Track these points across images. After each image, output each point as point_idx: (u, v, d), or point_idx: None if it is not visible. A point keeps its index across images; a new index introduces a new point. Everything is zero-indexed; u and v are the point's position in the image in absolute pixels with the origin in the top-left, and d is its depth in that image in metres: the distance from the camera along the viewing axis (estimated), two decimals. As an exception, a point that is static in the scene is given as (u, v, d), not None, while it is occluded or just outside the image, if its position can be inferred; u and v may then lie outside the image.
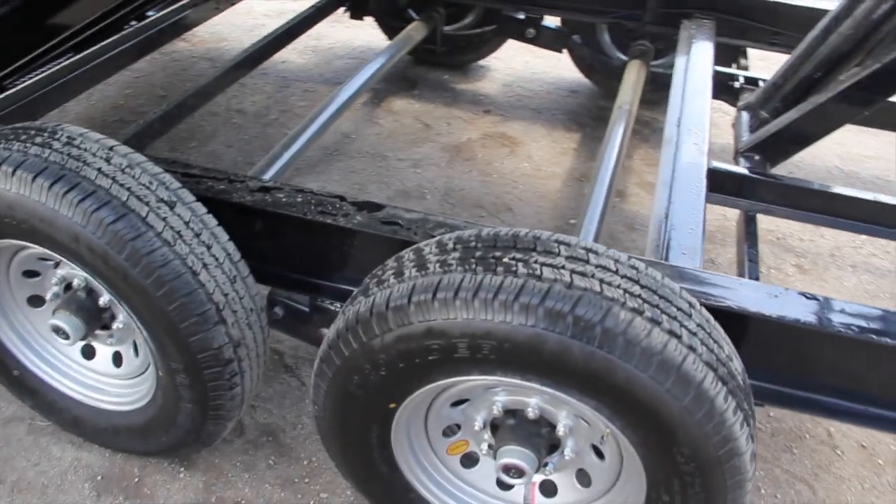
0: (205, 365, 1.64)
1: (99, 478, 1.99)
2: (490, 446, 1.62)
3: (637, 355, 1.26)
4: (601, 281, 1.31)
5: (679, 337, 1.29)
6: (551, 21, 3.39)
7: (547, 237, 1.41)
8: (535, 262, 1.34)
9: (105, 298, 1.79)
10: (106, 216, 1.52)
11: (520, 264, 1.34)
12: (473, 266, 1.35)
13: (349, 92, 2.88)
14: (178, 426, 1.81)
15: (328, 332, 1.53)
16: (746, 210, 2.21)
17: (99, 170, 1.57)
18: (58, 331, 1.79)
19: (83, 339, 1.82)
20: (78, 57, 2.68)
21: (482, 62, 3.83)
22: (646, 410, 1.31)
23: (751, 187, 2.16)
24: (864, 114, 2.11)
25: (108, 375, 1.96)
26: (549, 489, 1.68)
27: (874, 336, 1.46)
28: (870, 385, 1.56)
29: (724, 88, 2.66)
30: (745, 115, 2.44)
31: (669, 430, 1.31)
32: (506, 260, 1.35)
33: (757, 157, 2.22)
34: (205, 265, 1.60)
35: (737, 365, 1.38)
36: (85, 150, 1.61)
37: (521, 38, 3.38)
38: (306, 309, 1.88)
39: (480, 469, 1.70)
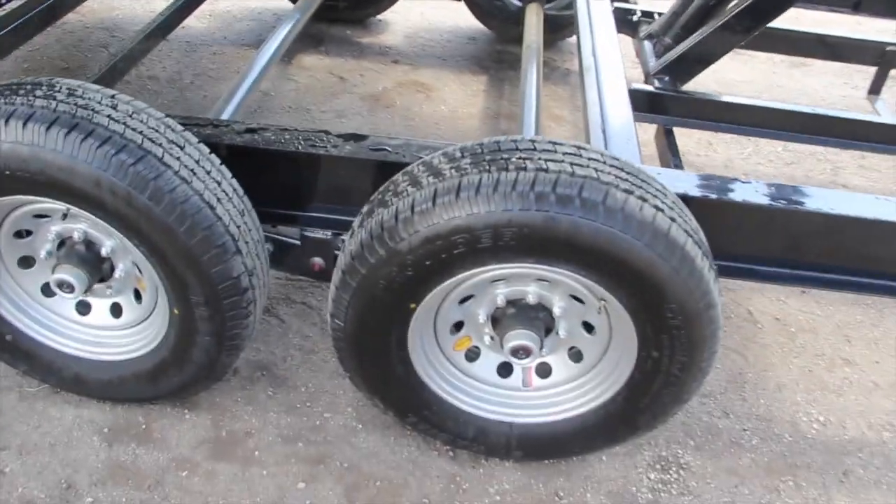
0: (225, 294, 1.78)
1: (105, 430, 2.07)
2: (492, 338, 1.88)
3: (634, 226, 1.55)
4: (596, 170, 1.59)
5: (662, 210, 1.59)
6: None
7: (542, 139, 1.67)
8: (540, 159, 1.59)
9: (107, 248, 1.87)
10: (126, 159, 1.62)
11: (527, 162, 1.59)
12: (487, 167, 1.59)
13: (274, 45, 2.95)
14: (192, 362, 1.93)
15: (348, 246, 1.71)
16: (664, 125, 2.57)
17: (109, 116, 1.66)
18: (62, 285, 1.86)
19: (85, 291, 1.90)
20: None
21: (381, 16, 4.01)
22: (642, 275, 1.60)
23: (666, 104, 2.53)
24: (749, 38, 2.51)
25: (108, 328, 2.03)
26: (544, 371, 1.97)
27: (785, 205, 1.85)
28: (777, 247, 1.95)
29: (624, 22, 3.01)
30: (647, 44, 2.80)
31: (661, 290, 1.62)
32: (514, 160, 1.60)
33: (666, 79, 2.58)
34: (219, 199, 1.73)
35: (702, 234, 1.71)
36: (89, 99, 1.69)
37: (422, -12, 3.60)
38: (297, 241, 2.04)
39: (483, 361, 1.96)
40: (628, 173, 1.63)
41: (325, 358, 2.30)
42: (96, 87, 1.74)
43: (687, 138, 3.17)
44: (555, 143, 1.66)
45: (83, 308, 2.04)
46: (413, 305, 1.74)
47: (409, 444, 2.08)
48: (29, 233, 1.92)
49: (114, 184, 1.63)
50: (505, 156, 1.61)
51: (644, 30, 2.90)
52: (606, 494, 2.01)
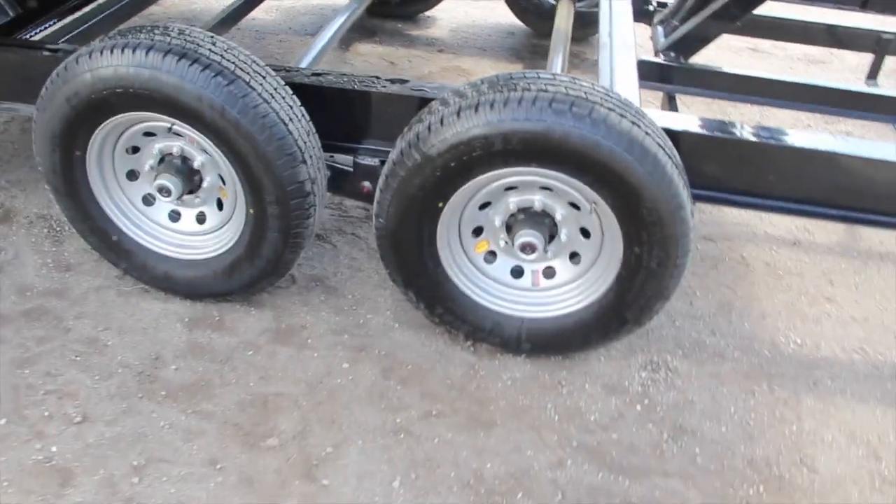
0: (292, 195, 2.31)
1: (186, 320, 2.61)
2: (506, 242, 2.37)
3: (614, 135, 2.04)
4: (585, 93, 2.09)
5: (638, 126, 2.08)
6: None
7: (545, 73, 2.18)
8: (542, 85, 2.10)
9: (198, 162, 2.44)
10: (222, 80, 2.19)
11: (532, 85, 2.10)
12: (501, 90, 2.10)
13: (331, 31, 3.52)
14: (262, 257, 2.46)
15: (391, 156, 2.23)
16: (668, 92, 3.05)
17: (210, 50, 2.23)
18: (162, 189, 2.43)
19: (179, 197, 2.46)
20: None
21: (429, 13, 4.61)
22: (621, 176, 2.07)
23: (671, 74, 3.01)
24: (741, 19, 2.98)
25: (194, 233, 2.58)
26: (549, 273, 2.45)
27: (772, 140, 2.31)
28: (766, 180, 2.40)
29: (642, 12, 3.50)
30: (659, 28, 3.30)
31: (637, 190, 2.09)
32: (521, 85, 2.11)
33: (672, 54, 3.07)
34: (290, 119, 2.28)
35: (674, 150, 2.18)
36: (195, 37, 2.26)
37: (467, -13, 4.18)
38: (350, 168, 2.57)
39: (498, 263, 2.45)
40: (612, 98, 2.12)
41: (369, 275, 2.82)
42: (199, 29, 2.32)
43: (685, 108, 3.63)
44: (555, 75, 2.17)
45: (174, 216, 2.60)
46: (441, 204, 2.25)
47: (437, 340, 2.57)
48: (136, 150, 2.50)
49: (212, 100, 2.18)
50: (515, 82, 2.13)
51: (658, 16, 3.40)
52: (602, 386, 2.46)
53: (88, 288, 2.72)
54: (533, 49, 4.35)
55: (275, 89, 2.28)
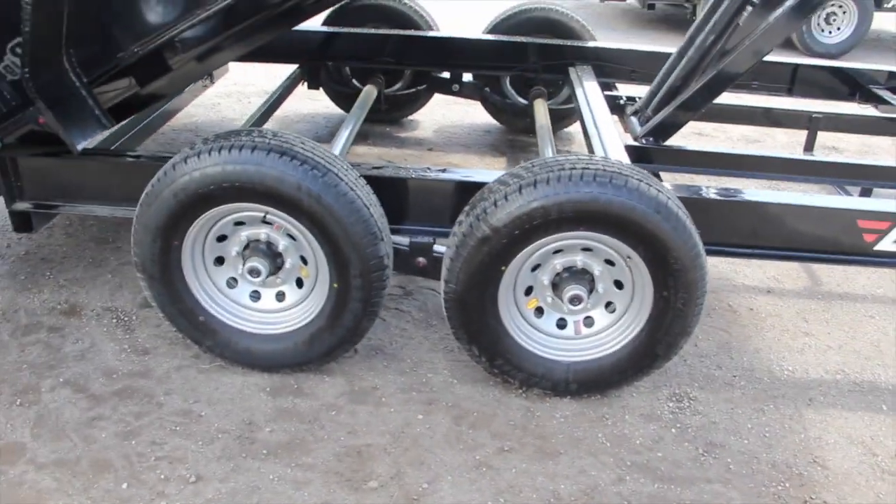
0: (374, 269, 2.78)
1: (268, 389, 2.98)
2: (552, 298, 2.89)
3: (646, 200, 2.62)
4: (618, 168, 2.68)
5: (661, 192, 2.67)
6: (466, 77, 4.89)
7: (583, 155, 2.77)
8: (585, 164, 2.68)
9: (282, 246, 2.88)
10: (318, 173, 2.67)
11: (577, 165, 2.67)
12: (552, 169, 2.66)
13: (342, 141, 4.04)
14: (342, 326, 2.89)
15: (459, 230, 2.73)
16: (652, 171, 3.69)
17: (302, 148, 2.73)
18: (252, 271, 2.86)
19: (266, 278, 2.88)
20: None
21: (412, 116, 5.23)
22: (653, 234, 2.64)
23: (652, 155, 3.66)
24: (705, 107, 3.70)
25: (273, 310, 2.99)
26: (588, 323, 2.97)
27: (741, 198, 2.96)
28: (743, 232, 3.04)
29: (613, 107, 4.20)
30: (633, 119, 3.99)
31: (665, 244, 2.66)
32: (568, 165, 2.68)
33: (650, 139, 3.74)
34: (370, 204, 2.77)
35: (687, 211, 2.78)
36: (288, 138, 2.75)
37: (448, 91, 4.84)
38: (406, 247, 3.06)
39: (545, 317, 2.96)
40: (637, 171, 2.72)
41: (420, 341, 3.27)
42: (288, 132, 2.82)
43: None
44: (591, 156, 2.76)
45: (255, 296, 3.01)
46: (503, 268, 2.76)
47: (493, 390, 3.02)
48: (223, 238, 2.93)
49: (310, 189, 2.66)
50: (562, 163, 2.70)
51: (630, 109, 4.10)
52: (640, 416, 2.96)
53: (169, 368, 3.07)
54: (510, 144, 5.03)
55: (356, 180, 2.78)
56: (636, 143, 3.68)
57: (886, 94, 4.37)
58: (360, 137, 4.99)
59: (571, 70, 4.56)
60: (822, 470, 2.77)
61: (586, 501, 2.60)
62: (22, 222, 3.28)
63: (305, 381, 3.03)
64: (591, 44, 4.68)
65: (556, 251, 2.82)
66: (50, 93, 2.78)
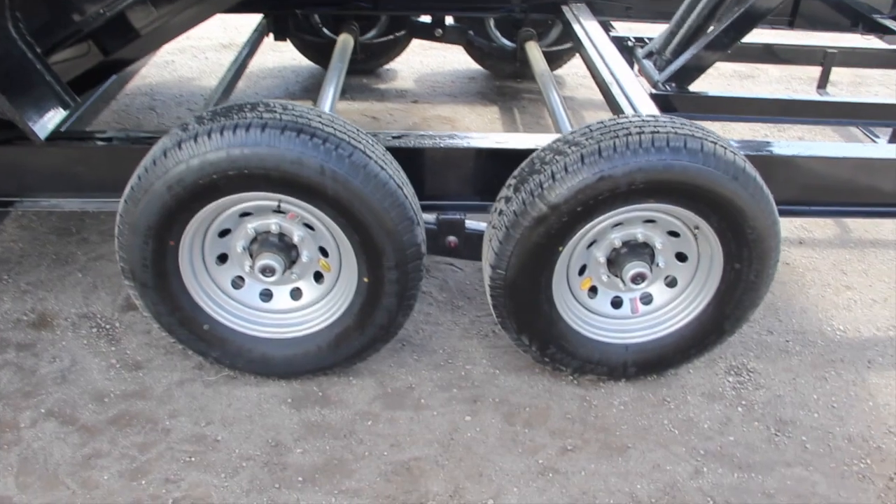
0: (410, 258, 2.33)
1: (289, 400, 2.53)
2: (608, 276, 2.50)
3: (723, 166, 2.23)
4: (690, 131, 2.27)
5: (736, 154, 2.28)
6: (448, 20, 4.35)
7: (649, 115, 2.34)
8: (653, 126, 2.25)
9: (297, 237, 2.39)
10: (343, 152, 2.18)
11: (645, 128, 2.24)
12: (617, 135, 2.24)
13: (328, 100, 3.48)
14: (374, 325, 2.44)
15: (510, 208, 2.30)
16: (677, 119, 3.31)
17: (320, 123, 2.22)
18: (265, 270, 2.36)
19: (282, 274, 2.39)
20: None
21: (388, 66, 4.67)
22: (731, 202, 2.26)
23: (678, 103, 3.27)
24: (731, 49, 3.31)
25: (289, 310, 2.52)
26: (646, 300, 2.59)
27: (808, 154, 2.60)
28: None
29: (620, 49, 3.77)
30: (647, 62, 3.56)
31: (743, 212, 2.28)
32: (634, 129, 2.25)
33: (673, 84, 3.33)
34: (402, 184, 2.30)
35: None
36: (301, 111, 2.24)
37: (430, 37, 4.30)
38: (434, 225, 2.61)
39: (600, 297, 2.57)
40: (705, 131, 2.32)
41: (449, 328, 2.85)
42: (300, 103, 2.30)
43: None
44: (655, 117, 2.34)
45: (265, 295, 2.52)
46: (561, 248, 2.34)
47: (542, 379, 2.65)
48: (226, 232, 2.41)
49: (335, 172, 2.17)
50: (627, 127, 2.27)
51: (641, 51, 3.67)
52: (702, 395, 2.63)
53: (169, 383, 2.57)
54: (499, 91, 4.54)
55: (383, 156, 2.30)
56: (658, 91, 3.27)
57: (891, 23, 4.06)
58: (335, 92, 4.43)
59: (565, 9, 4.07)
60: (902, 441, 2.51)
61: (668, 502, 2.27)
62: (-29, 222, 2.69)
63: (330, 386, 2.59)
64: (581, -22, 4.20)
65: (615, 224, 2.42)
66: (7, 70, 2.18)
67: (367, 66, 4.56)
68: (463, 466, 2.34)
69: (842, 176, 2.71)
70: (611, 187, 2.22)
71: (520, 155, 2.49)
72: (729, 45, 3.24)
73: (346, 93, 4.43)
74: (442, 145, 2.55)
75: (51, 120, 2.33)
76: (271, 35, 4.22)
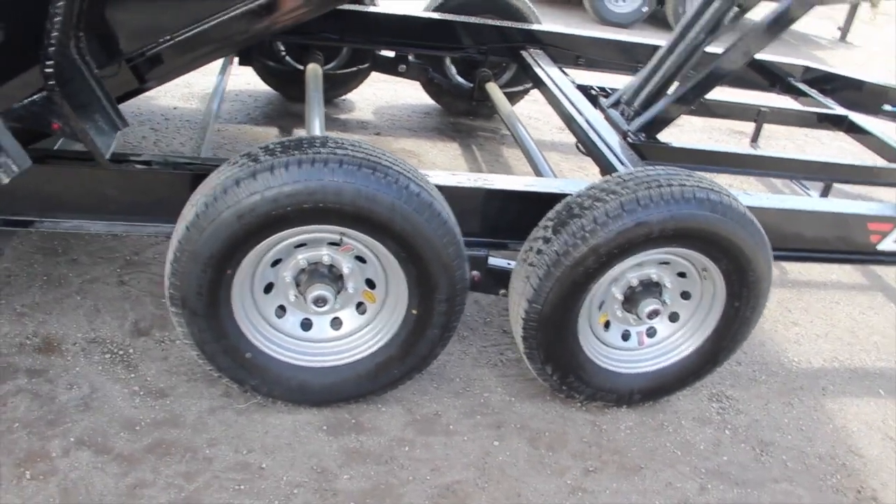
0: (459, 292, 2.54)
1: (324, 428, 2.65)
2: (622, 312, 2.82)
3: (735, 216, 2.60)
4: (710, 185, 2.64)
5: (739, 203, 2.68)
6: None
7: (672, 169, 2.69)
8: (678, 180, 2.60)
9: (347, 268, 2.54)
10: (413, 189, 2.37)
11: (673, 181, 2.59)
12: (650, 186, 2.57)
13: (317, 130, 3.58)
14: (415, 355, 2.63)
15: (551, 248, 2.56)
16: (647, 167, 3.71)
17: (388, 162, 2.40)
18: (318, 300, 2.50)
19: (334, 305, 2.53)
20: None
21: (345, 97, 4.83)
22: (740, 249, 2.64)
23: (648, 152, 3.67)
24: (694, 106, 3.77)
25: (329, 339, 2.65)
26: (650, 334, 2.93)
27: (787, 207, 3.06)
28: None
29: (586, 96, 4.15)
30: (613, 111, 3.96)
31: (749, 257, 2.68)
32: (663, 181, 2.59)
33: (643, 135, 3.74)
34: (455, 221, 2.51)
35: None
36: (369, 150, 2.40)
37: (392, 72, 4.52)
38: (460, 260, 2.83)
39: (612, 331, 2.88)
40: (717, 185, 2.70)
41: (460, 357, 3.07)
42: (365, 141, 2.46)
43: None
44: (675, 171, 2.69)
45: (305, 325, 2.64)
46: (592, 286, 2.64)
47: (554, 406, 2.92)
48: (277, 262, 2.52)
49: (404, 209, 2.36)
50: (656, 179, 2.61)
51: (605, 101, 4.07)
52: (693, 420, 3.00)
53: (200, 411, 2.63)
54: (455, 128, 4.82)
55: (439, 195, 2.51)
56: (630, 140, 3.67)
57: (804, 87, 4.73)
58: (297, 120, 4.53)
59: (525, 54, 4.43)
60: (860, 458, 2.98)
61: (685, 517, 2.60)
62: (-19, 243, 2.63)
63: (361, 413, 2.74)
64: (539, 27, 4.57)
65: (635, 265, 2.74)
66: (68, 91, 2.21)
67: (325, 96, 4.69)
68: (501, 488, 2.57)
69: (801, 225, 3.20)
70: (646, 233, 2.54)
71: (545, 198, 2.79)
72: (694, 101, 3.70)
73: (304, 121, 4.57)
74: (477, 186, 2.80)
75: (109, 141, 2.36)
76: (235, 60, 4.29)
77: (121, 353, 2.79)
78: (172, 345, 2.86)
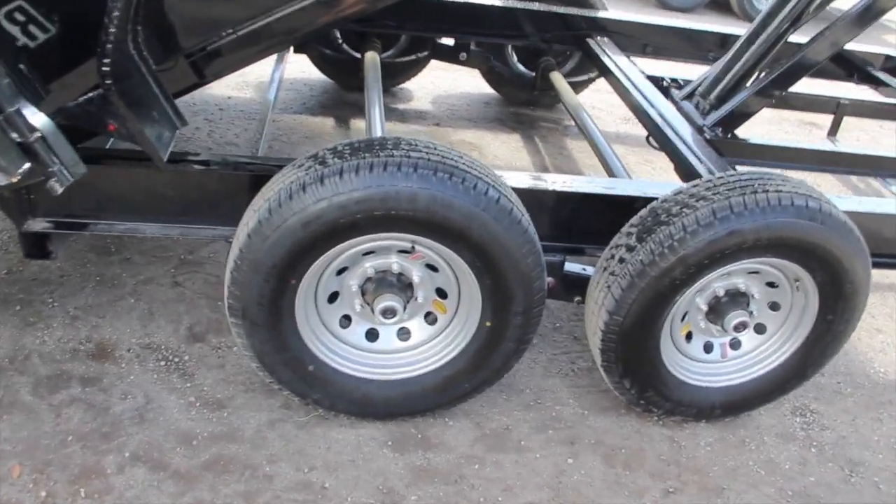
0: (537, 304, 2.32)
1: (389, 443, 2.46)
2: (705, 323, 2.57)
3: (835, 225, 2.34)
4: (808, 191, 2.37)
5: (841, 213, 2.40)
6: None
7: (767, 172, 2.43)
8: (774, 186, 2.34)
9: (417, 277, 2.33)
10: (492, 195, 2.15)
11: (767, 186, 2.33)
12: (744, 191, 2.31)
13: (377, 125, 3.36)
14: (487, 368, 2.42)
15: (636, 257, 2.32)
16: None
17: (466, 166, 2.17)
18: (386, 312, 2.29)
19: (403, 315, 2.33)
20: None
21: (402, 85, 4.61)
22: (836, 260, 2.38)
23: (727, 148, 3.39)
24: (776, 99, 3.47)
25: (395, 351, 2.45)
26: (734, 345, 2.69)
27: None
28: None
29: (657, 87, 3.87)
30: (687, 104, 3.68)
31: (847, 268, 2.41)
32: (759, 186, 2.33)
33: (720, 130, 3.46)
34: (534, 229, 2.28)
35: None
36: (446, 152, 2.19)
37: (453, 60, 4.28)
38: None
39: (694, 343, 2.64)
40: (814, 190, 2.42)
41: (529, 365, 2.86)
42: (440, 143, 2.24)
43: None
44: (772, 174, 2.42)
45: (371, 336, 2.44)
46: (678, 298, 2.40)
47: (629, 420, 2.69)
48: (343, 270, 2.32)
49: (483, 218, 2.13)
50: (749, 184, 2.34)
51: (679, 93, 3.78)
52: (776, 436, 2.75)
53: (259, 424, 2.45)
54: (517, 119, 4.58)
55: (517, 200, 2.28)
56: (706, 135, 3.39)
57: (884, 76, 4.38)
58: (356, 110, 4.32)
59: (590, 42, 4.15)
60: (958, 482, 2.71)
61: (774, 546, 2.37)
62: (35, 246, 2.45)
63: (427, 427, 2.54)
64: (605, 14, 4.28)
65: (723, 274, 2.49)
66: (126, 89, 2.01)
67: (382, 85, 4.48)
68: (578, 512, 2.36)
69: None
70: (738, 242, 2.29)
71: (625, 202, 2.56)
72: (776, 94, 3.41)
73: (362, 111, 4.35)
74: (554, 188, 2.56)
75: (167, 141, 2.17)
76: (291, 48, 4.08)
77: (176, 360, 2.63)
78: (229, 351, 2.69)
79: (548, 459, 2.51)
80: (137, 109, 2.05)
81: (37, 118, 1.79)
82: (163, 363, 2.61)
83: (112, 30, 1.93)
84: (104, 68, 1.89)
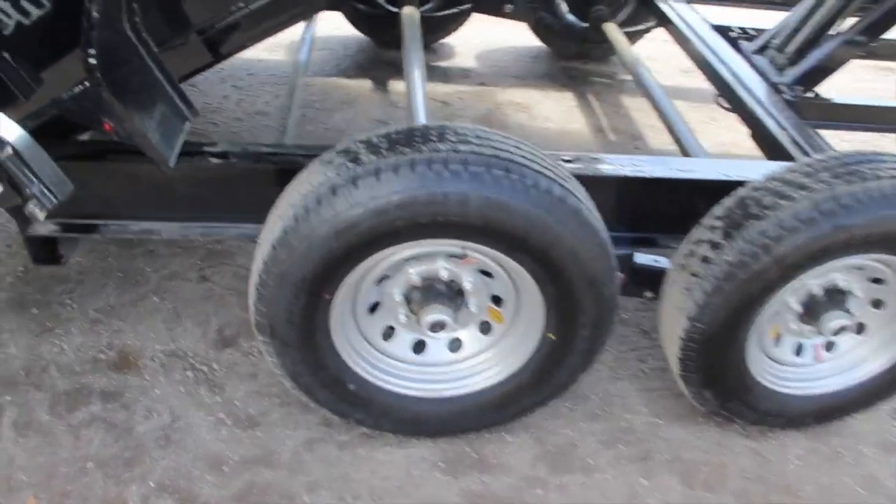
0: (607, 311, 1.97)
1: (441, 465, 2.16)
2: (798, 324, 2.20)
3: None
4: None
5: None
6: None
7: (868, 155, 2.01)
8: (887, 170, 1.92)
9: (469, 284, 1.99)
10: (556, 192, 1.78)
11: (880, 171, 1.91)
12: (851, 180, 1.90)
13: (419, 96, 2.95)
14: (551, 384, 2.10)
15: (722, 257, 1.94)
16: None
17: (524, 158, 1.81)
18: (435, 326, 1.96)
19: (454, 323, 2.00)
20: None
21: (443, 41, 4.20)
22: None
23: (808, 110, 2.94)
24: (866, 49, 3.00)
25: (447, 363, 2.13)
26: (828, 347, 2.31)
27: None
28: None
29: (725, 39, 3.41)
30: (760, 58, 3.22)
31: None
32: (868, 172, 1.92)
33: (800, 89, 3.01)
34: (604, 227, 1.92)
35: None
36: (498, 142, 1.82)
37: (498, 12, 3.85)
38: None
39: (783, 345, 2.27)
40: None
41: (596, 367, 2.48)
42: (491, 130, 1.87)
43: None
44: (881, 156, 2.00)
45: (418, 347, 2.13)
46: (768, 300, 2.03)
47: (708, 429, 2.35)
48: (384, 278, 2.00)
49: (545, 220, 1.78)
50: (862, 170, 1.93)
51: (750, 46, 3.32)
52: (875, 446, 2.39)
53: (296, 445, 2.17)
54: (569, 73, 4.13)
55: (584, 194, 1.91)
56: (783, 94, 2.94)
57: None
58: (392, 70, 3.92)
59: (650, -11, 3.68)
60: None
61: (879, 581, 2.04)
62: (43, 251, 2.17)
63: (483, 444, 2.23)
64: (665, -44, 3.79)
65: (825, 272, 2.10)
66: (122, 80, 1.67)
67: (423, 41, 4.06)
68: (654, 544, 2.05)
69: None
70: (846, 239, 1.90)
71: (706, 186, 2.17)
72: (865, 45, 2.94)
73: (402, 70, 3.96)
74: (619, 173, 2.18)
75: (174, 139, 1.84)
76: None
77: (204, 368, 2.35)
78: (261, 358, 2.37)
79: (618, 480, 2.19)
80: (137, 104, 1.72)
81: (8, 129, 1.45)
82: (190, 373, 2.33)
83: (100, 6, 1.58)
84: (90, 59, 1.54)
